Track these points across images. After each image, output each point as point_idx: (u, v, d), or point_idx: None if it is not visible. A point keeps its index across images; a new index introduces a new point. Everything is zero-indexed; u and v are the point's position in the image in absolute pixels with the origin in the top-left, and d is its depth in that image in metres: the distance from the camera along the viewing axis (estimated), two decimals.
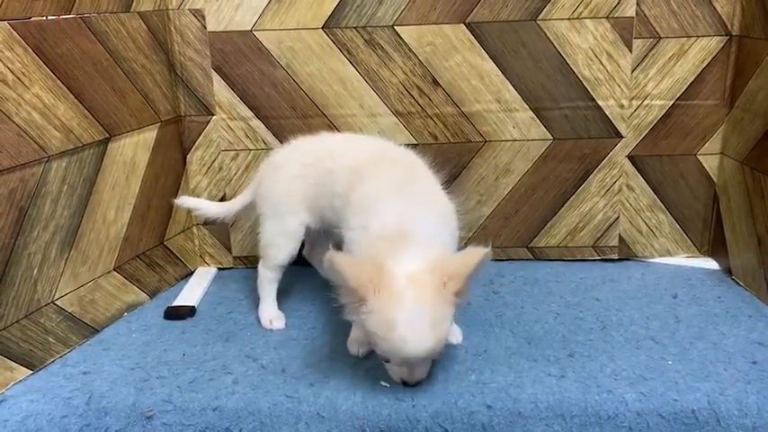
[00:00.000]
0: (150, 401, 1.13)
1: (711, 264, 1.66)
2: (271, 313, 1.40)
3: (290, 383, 1.17)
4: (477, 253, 1.05)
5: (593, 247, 1.70)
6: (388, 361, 1.11)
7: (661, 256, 1.70)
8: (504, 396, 1.11)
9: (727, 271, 1.59)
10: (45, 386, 1.18)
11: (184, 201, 1.52)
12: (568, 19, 1.53)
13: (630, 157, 1.62)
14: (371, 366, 1.21)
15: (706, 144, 1.61)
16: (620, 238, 1.68)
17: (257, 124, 1.61)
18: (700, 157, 1.62)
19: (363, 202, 1.17)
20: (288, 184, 1.36)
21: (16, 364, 1.19)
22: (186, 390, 1.16)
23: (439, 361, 1.22)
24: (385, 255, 1.06)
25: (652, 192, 1.65)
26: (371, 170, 1.23)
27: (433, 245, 1.09)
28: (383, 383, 1.15)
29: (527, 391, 1.13)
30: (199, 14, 1.54)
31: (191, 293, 1.56)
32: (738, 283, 1.53)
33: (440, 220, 1.17)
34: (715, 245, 1.66)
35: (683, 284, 1.55)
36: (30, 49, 1.19)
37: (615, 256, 1.70)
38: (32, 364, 1.22)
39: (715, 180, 1.63)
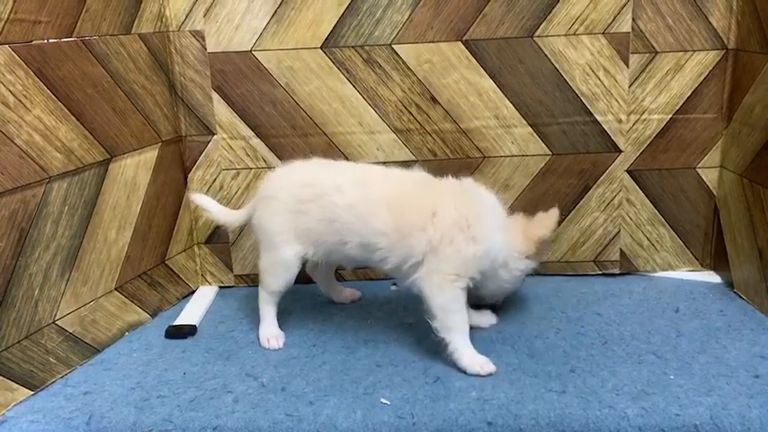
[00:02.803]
0: (150, 421, 1.13)
1: (713, 277, 1.65)
2: (269, 332, 1.40)
3: (290, 402, 1.17)
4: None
5: (594, 261, 1.70)
6: None
7: (662, 270, 1.70)
8: (505, 413, 1.11)
9: (729, 284, 1.58)
10: (45, 407, 1.18)
11: (197, 198, 1.51)
12: (565, 35, 1.54)
13: (630, 172, 1.63)
14: (371, 384, 1.21)
15: (705, 157, 1.61)
16: (622, 253, 1.68)
17: (257, 143, 1.62)
18: (699, 171, 1.63)
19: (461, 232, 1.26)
20: (282, 219, 1.35)
21: (17, 385, 1.19)
22: (187, 409, 1.16)
23: (439, 377, 1.22)
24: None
25: (652, 206, 1.65)
26: (436, 200, 1.28)
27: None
28: (383, 401, 1.15)
29: (528, 407, 1.12)
30: (199, 36, 1.56)
31: (192, 312, 1.56)
32: (740, 297, 1.53)
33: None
34: (716, 258, 1.66)
35: (684, 298, 1.54)
36: (31, 72, 1.20)
37: (616, 271, 1.69)
38: (33, 385, 1.22)
39: (715, 193, 1.63)
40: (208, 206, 1.50)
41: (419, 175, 1.37)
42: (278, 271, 1.38)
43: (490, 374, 1.23)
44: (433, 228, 1.25)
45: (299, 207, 1.34)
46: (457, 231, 1.25)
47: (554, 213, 1.38)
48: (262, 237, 1.40)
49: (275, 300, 1.42)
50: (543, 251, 1.39)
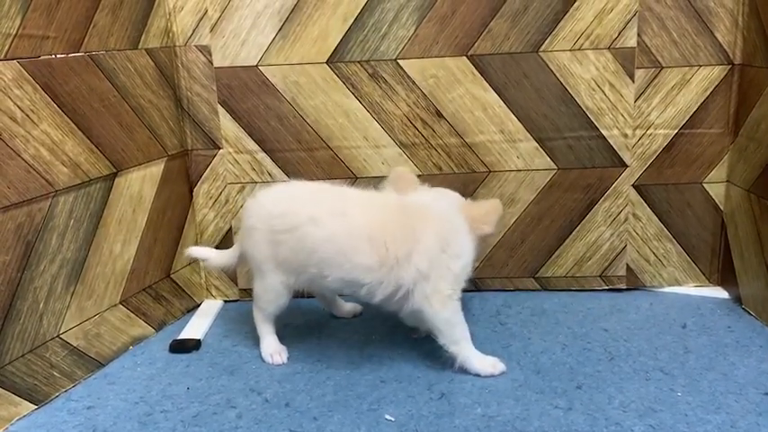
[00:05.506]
0: None
1: (721, 293, 1.64)
2: (272, 348, 1.40)
3: (293, 418, 1.16)
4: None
5: (600, 276, 1.69)
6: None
7: (669, 285, 1.69)
8: (511, 429, 1.10)
9: (737, 300, 1.57)
10: (49, 421, 1.18)
11: (193, 251, 1.52)
12: (570, 50, 1.54)
13: (636, 187, 1.62)
14: (376, 400, 1.20)
15: (711, 172, 1.61)
16: (628, 268, 1.67)
17: (263, 157, 1.63)
18: (706, 186, 1.62)
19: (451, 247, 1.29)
20: (264, 247, 1.34)
21: (21, 399, 1.19)
22: (190, 424, 1.15)
23: (444, 394, 1.21)
24: None
25: (659, 221, 1.64)
26: (416, 227, 1.27)
27: None
28: (387, 417, 1.14)
29: (534, 424, 1.11)
30: (205, 51, 1.57)
31: (196, 327, 1.56)
32: (749, 313, 1.51)
33: None
34: (724, 274, 1.64)
35: (692, 314, 1.53)
36: (39, 87, 1.21)
37: (623, 286, 1.68)
38: (37, 399, 1.22)
39: (722, 208, 1.62)
40: (206, 255, 1.52)
41: (392, 199, 1.36)
42: (269, 297, 1.38)
43: (503, 372, 1.29)
44: (419, 256, 1.26)
45: (276, 237, 1.32)
46: (441, 253, 1.27)
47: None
48: (251, 264, 1.40)
49: (272, 319, 1.42)
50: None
